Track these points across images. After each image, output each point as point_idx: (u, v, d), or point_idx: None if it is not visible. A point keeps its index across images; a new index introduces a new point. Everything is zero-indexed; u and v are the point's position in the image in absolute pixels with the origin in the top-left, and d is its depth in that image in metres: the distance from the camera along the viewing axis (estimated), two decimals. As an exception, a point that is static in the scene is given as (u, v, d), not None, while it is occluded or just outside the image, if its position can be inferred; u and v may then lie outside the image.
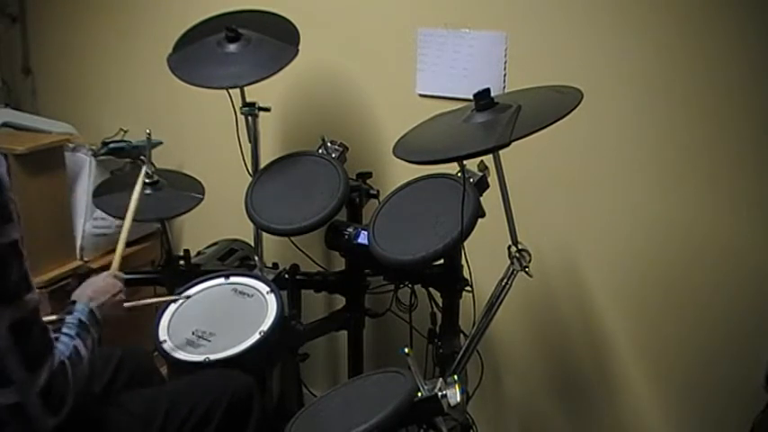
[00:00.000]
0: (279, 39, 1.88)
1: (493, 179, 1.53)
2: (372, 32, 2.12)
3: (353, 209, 1.97)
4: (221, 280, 1.82)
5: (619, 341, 1.95)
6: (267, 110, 1.97)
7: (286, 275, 1.95)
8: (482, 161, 1.61)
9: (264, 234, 1.95)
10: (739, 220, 1.73)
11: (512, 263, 1.47)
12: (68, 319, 1.24)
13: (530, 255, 1.47)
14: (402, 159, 1.39)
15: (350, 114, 2.21)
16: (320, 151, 1.93)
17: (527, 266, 1.47)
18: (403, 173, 1.76)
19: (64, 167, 2.35)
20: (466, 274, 1.80)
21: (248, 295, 1.77)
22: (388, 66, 2.11)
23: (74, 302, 1.29)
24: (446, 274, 1.78)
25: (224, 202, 2.07)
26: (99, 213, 2.31)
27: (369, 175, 1.99)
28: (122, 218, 1.72)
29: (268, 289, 1.76)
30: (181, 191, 1.98)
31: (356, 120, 2.20)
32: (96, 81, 2.74)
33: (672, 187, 1.79)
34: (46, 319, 1.12)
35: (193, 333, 1.66)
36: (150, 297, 1.69)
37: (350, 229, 1.86)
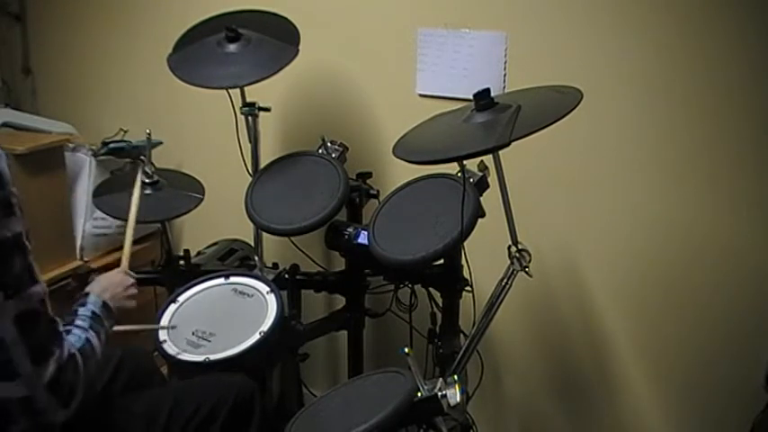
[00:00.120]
0: (279, 39, 1.88)
1: (493, 179, 1.53)
2: (372, 32, 2.12)
3: (353, 209, 1.97)
4: (221, 280, 1.82)
5: (619, 341, 1.95)
6: (267, 110, 1.97)
7: (286, 275, 1.95)
8: (482, 161, 1.61)
9: (264, 234, 1.95)
10: (739, 220, 1.73)
11: (512, 263, 1.47)
12: (81, 311, 1.24)
13: (530, 255, 1.47)
14: (402, 159, 1.39)
15: (350, 114, 2.21)
16: (320, 151, 1.93)
17: (527, 266, 1.47)
18: (403, 173, 1.76)
19: (64, 167, 2.35)
20: (466, 274, 1.80)
21: (248, 295, 1.77)
22: (388, 66, 2.11)
23: (87, 294, 1.29)
24: (446, 274, 1.78)
25: (224, 202, 2.07)
26: (99, 213, 2.31)
27: (369, 175, 1.99)
28: (122, 218, 1.72)
29: (268, 289, 1.76)
30: (181, 191, 1.98)
31: (356, 120, 2.20)
32: (96, 81, 2.74)
33: (672, 187, 1.79)
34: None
35: (193, 333, 1.66)
36: (139, 324, 1.69)
37: (350, 229, 1.86)
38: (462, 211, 1.43)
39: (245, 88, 1.91)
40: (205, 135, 2.49)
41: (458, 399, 1.38)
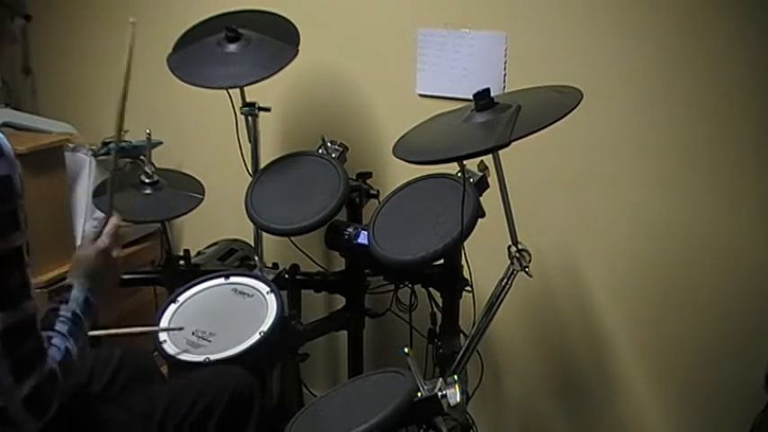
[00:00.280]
0: (279, 39, 1.88)
1: (493, 179, 1.53)
2: (372, 32, 2.12)
3: (353, 209, 1.97)
4: (221, 280, 1.82)
5: (619, 341, 1.95)
6: (267, 110, 1.97)
7: (286, 275, 1.95)
8: (482, 161, 1.61)
9: (264, 234, 1.95)
10: (739, 220, 1.73)
11: (512, 263, 1.47)
12: (62, 310, 1.19)
13: (530, 255, 1.47)
14: (402, 159, 1.39)
15: (350, 114, 2.21)
16: (320, 151, 1.93)
17: (527, 266, 1.47)
18: (403, 173, 1.76)
19: (64, 167, 2.34)
20: (466, 274, 1.80)
21: (248, 295, 1.77)
22: (388, 66, 2.11)
23: (70, 288, 1.24)
24: (446, 274, 1.78)
25: (224, 202, 2.07)
26: (99, 213, 2.30)
27: (369, 175, 1.99)
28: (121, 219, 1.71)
29: (268, 289, 1.76)
30: (181, 191, 1.98)
31: (356, 120, 2.20)
32: (96, 81, 2.74)
33: (672, 187, 1.79)
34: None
35: (193, 333, 1.66)
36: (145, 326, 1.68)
37: (350, 229, 1.86)
38: (462, 211, 1.43)
39: (245, 88, 1.91)
40: (205, 135, 2.49)
41: (458, 399, 1.38)
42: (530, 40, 1.88)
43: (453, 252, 1.71)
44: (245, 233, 2.14)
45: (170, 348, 1.62)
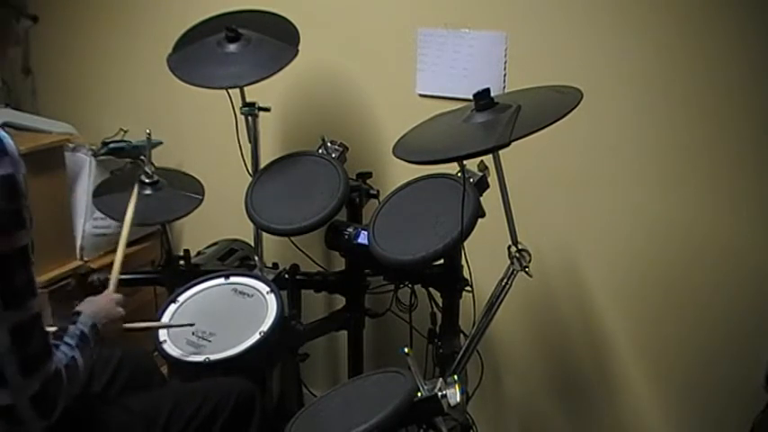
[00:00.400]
0: (279, 39, 1.88)
1: (493, 179, 1.53)
2: (372, 32, 2.12)
3: (353, 209, 1.97)
4: (221, 280, 1.82)
5: (619, 341, 1.95)
6: (267, 110, 1.97)
7: (286, 275, 1.95)
8: (482, 161, 1.61)
9: (264, 234, 1.95)
10: (739, 220, 1.73)
11: (512, 263, 1.47)
12: (71, 329, 1.24)
13: (530, 255, 1.47)
14: (402, 159, 1.39)
15: (350, 114, 2.21)
16: (320, 151, 1.93)
17: (527, 266, 1.47)
18: (403, 173, 1.76)
19: (64, 167, 2.35)
20: (466, 274, 1.80)
21: (248, 295, 1.77)
22: (388, 66, 2.11)
23: (78, 314, 1.29)
24: (446, 274, 1.78)
25: (224, 202, 2.07)
26: (99, 213, 2.30)
27: (369, 175, 1.99)
28: (121, 220, 1.71)
29: (268, 289, 1.76)
30: (181, 191, 1.98)
31: (356, 120, 2.20)
32: (96, 81, 2.74)
33: (672, 187, 1.79)
34: (49, 329, 1.12)
35: (193, 333, 1.66)
36: (150, 320, 1.68)
37: (350, 229, 1.86)
38: (462, 211, 1.43)
39: (245, 88, 1.91)
40: (205, 135, 2.49)
41: (458, 399, 1.37)
42: (530, 40, 1.88)
43: (453, 252, 1.71)
44: (245, 233, 2.14)
45: (170, 348, 1.62)
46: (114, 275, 1.56)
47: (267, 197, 1.86)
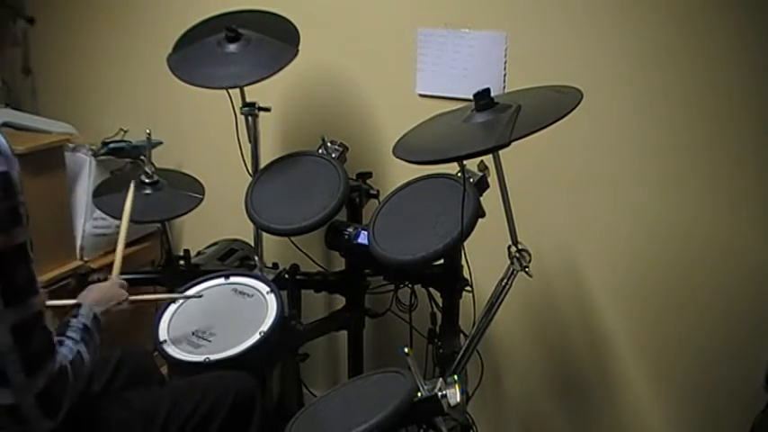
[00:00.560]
0: (279, 39, 1.88)
1: (493, 179, 1.53)
2: (372, 32, 2.12)
3: (353, 209, 1.97)
4: (221, 280, 1.82)
5: (619, 341, 1.95)
6: (267, 110, 1.97)
7: (286, 275, 1.95)
8: (482, 161, 1.61)
9: (264, 234, 1.95)
10: (739, 220, 1.73)
11: (512, 263, 1.47)
12: (73, 322, 1.24)
13: (530, 255, 1.47)
14: (402, 159, 1.39)
15: (350, 114, 2.21)
16: (320, 151, 1.93)
17: (527, 266, 1.47)
18: (403, 173, 1.76)
19: (64, 167, 2.35)
20: (466, 274, 1.80)
21: (248, 295, 1.77)
22: (388, 66, 2.11)
23: (79, 306, 1.29)
24: (446, 274, 1.78)
25: (224, 202, 2.07)
26: (99, 213, 2.30)
27: (369, 175, 1.99)
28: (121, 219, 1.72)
29: (268, 289, 1.76)
30: (181, 191, 1.98)
31: (356, 120, 2.20)
32: (96, 81, 2.74)
33: (672, 187, 1.79)
34: (51, 303, 1.11)
35: (193, 333, 1.66)
36: (154, 293, 1.69)
37: (350, 229, 1.86)
38: (462, 211, 1.43)
39: (245, 88, 1.91)
40: (205, 135, 2.49)
41: (458, 399, 1.38)
42: (530, 40, 1.88)
43: (453, 252, 1.71)
44: (245, 233, 2.14)
45: (170, 348, 1.62)
46: (117, 262, 1.55)
47: (267, 197, 1.86)
